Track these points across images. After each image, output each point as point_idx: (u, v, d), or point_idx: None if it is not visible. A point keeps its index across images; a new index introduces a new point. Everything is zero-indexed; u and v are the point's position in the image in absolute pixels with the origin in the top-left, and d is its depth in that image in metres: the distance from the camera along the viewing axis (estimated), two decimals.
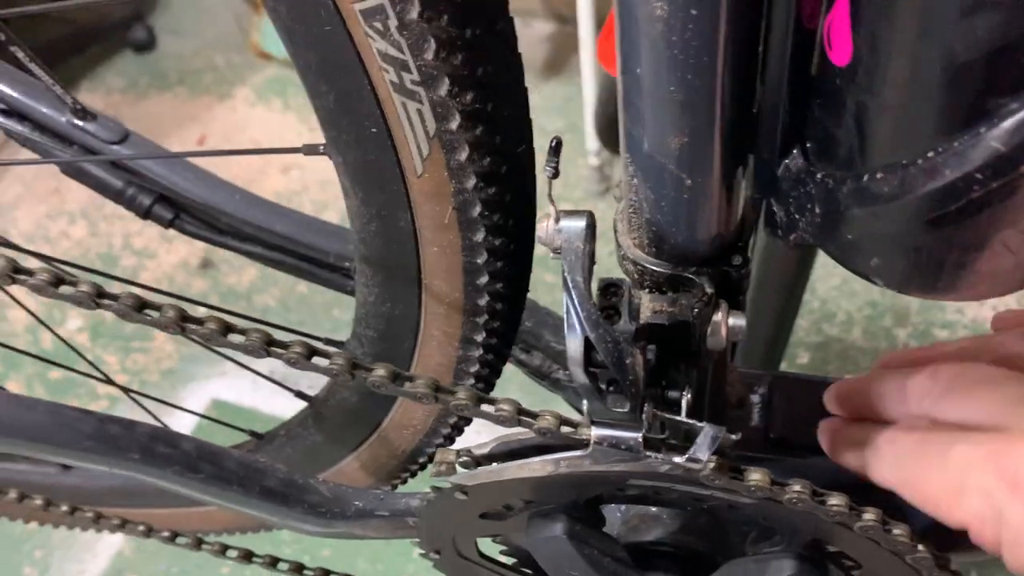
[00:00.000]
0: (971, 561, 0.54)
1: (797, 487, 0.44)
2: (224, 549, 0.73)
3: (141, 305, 0.42)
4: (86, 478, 0.82)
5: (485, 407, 0.45)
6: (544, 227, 0.42)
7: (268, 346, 0.43)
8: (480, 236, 0.47)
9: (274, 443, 0.75)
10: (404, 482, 0.73)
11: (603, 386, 0.43)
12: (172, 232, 0.66)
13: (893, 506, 0.45)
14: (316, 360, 0.44)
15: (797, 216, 0.40)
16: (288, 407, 0.74)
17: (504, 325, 0.54)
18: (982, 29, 0.28)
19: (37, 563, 1.44)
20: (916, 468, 0.43)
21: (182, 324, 0.42)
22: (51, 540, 1.45)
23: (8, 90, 0.61)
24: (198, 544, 0.72)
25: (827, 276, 1.62)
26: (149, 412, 0.76)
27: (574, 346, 0.41)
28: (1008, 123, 0.30)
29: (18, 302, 0.68)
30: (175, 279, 1.80)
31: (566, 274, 0.41)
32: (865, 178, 0.35)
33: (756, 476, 0.44)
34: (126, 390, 0.75)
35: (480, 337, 0.54)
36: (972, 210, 0.32)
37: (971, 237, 0.34)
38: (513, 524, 0.54)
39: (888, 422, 0.47)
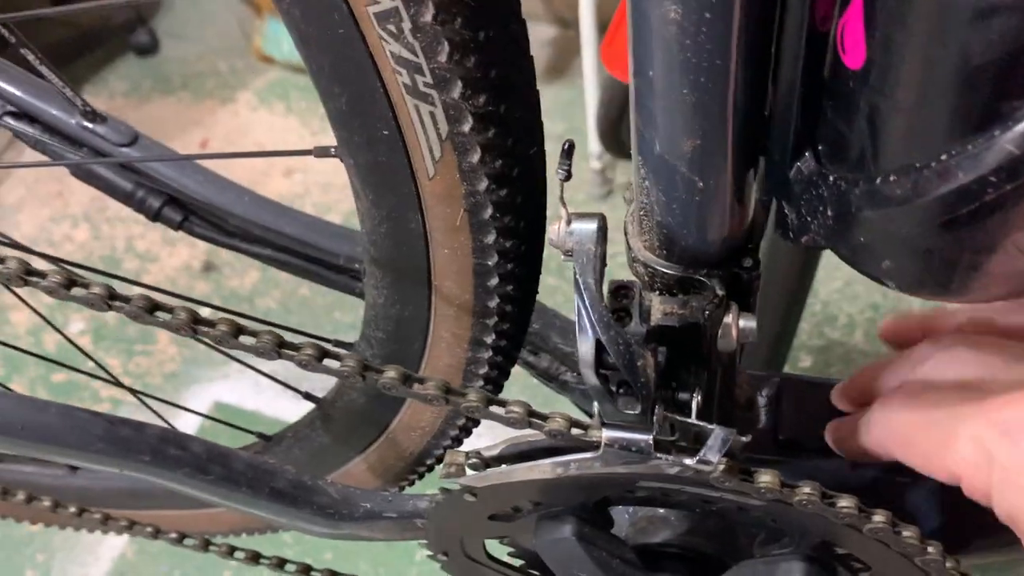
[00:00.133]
0: (979, 564, 0.54)
1: (807, 489, 0.44)
2: (231, 551, 0.73)
3: (153, 307, 0.42)
4: (93, 480, 0.82)
5: (495, 409, 0.45)
6: (556, 229, 0.42)
7: (280, 348, 0.43)
8: (491, 238, 0.47)
9: (282, 445, 0.75)
10: (412, 484, 0.73)
11: (614, 388, 0.43)
12: (175, 235, 0.66)
13: (903, 509, 0.45)
14: (327, 362, 0.44)
15: (809, 219, 0.40)
16: (291, 409, 0.74)
17: (514, 327, 0.55)
18: (997, 32, 0.28)
19: (39, 566, 1.43)
20: (908, 424, 0.44)
21: (194, 326, 0.43)
22: (53, 543, 1.45)
23: (18, 92, 0.61)
24: (206, 546, 0.72)
25: (829, 279, 1.62)
26: (157, 414, 0.76)
27: (586, 348, 0.41)
28: (1022, 126, 0.30)
29: (28, 305, 0.68)
30: (178, 282, 1.80)
31: (578, 276, 0.41)
32: (878, 181, 0.35)
33: (766, 478, 0.44)
34: (135, 392, 0.76)
35: (490, 339, 0.54)
36: (985, 213, 0.32)
37: (984, 240, 0.34)
38: (521, 526, 0.54)
39: None
